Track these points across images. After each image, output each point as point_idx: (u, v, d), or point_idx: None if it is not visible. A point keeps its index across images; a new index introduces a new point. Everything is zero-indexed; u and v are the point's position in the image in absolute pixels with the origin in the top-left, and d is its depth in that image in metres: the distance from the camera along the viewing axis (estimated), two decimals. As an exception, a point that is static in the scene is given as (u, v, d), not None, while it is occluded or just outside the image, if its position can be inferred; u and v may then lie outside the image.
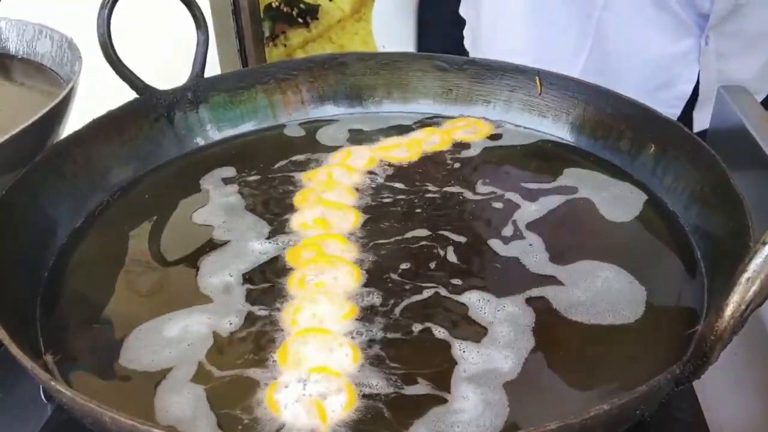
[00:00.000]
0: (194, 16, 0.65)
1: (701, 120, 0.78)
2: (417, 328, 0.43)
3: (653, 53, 0.77)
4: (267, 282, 0.47)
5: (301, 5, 1.79)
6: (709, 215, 0.49)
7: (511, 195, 0.57)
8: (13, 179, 0.50)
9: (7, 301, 0.43)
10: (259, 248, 0.51)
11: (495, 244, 0.51)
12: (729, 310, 0.28)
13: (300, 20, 1.80)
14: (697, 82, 0.78)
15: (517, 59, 0.68)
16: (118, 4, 0.59)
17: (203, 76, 0.66)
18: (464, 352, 0.41)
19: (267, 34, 1.84)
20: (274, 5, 1.79)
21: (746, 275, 0.28)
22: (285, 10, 1.80)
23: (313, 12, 1.82)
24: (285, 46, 1.84)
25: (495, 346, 0.42)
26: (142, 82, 0.62)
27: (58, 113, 0.56)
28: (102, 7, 0.58)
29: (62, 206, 0.54)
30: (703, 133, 0.74)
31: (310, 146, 0.65)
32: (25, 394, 0.49)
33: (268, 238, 0.52)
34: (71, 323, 0.46)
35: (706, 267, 0.47)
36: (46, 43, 0.70)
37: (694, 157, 0.52)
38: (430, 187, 0.58)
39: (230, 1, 1.54)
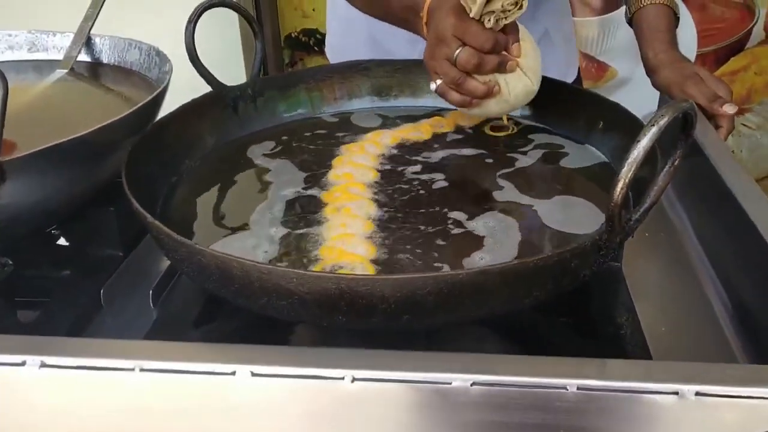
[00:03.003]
0: (253, 31, 0.84)
1: None
2: (423, 232, 0.62)
3: None
4: (310, 212, 0.66)
5: (317, 35, 2.01)
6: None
7: (497, 154, 0.76)
8: (132, 144, 0.69)
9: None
10: (304, 191, 0.70)
11: (484, 184, 0.71)
12: (619, 186, 0.47)
13: (316, 48, 2.01)
14: None
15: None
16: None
17: (259, 76, 0.85)
18: (471, 251, 0.60)
19: (287, 60, 2.05)
20: (293, 35, 2.01)
21: (628, 161, 0.46)
22: (303, 39, 2.02)
23: (328, 40, 2.03)
24: (303, 70, 2.05)
25: (492, 246, 0.60)
26: (215, 78, 0.81)
27: (158, 100, 0.75)
28: (189, 22, 0.78)
29: (159, 166, 0.72)
30: None
31: (346, 128, 0.84)
32: (134, 308, 0.68)
33: (311, 185, 0.71)
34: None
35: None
36: (134, 53, 0.90)
37: (628, 127, 0.71)
38: (436, 153, 0.77)
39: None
